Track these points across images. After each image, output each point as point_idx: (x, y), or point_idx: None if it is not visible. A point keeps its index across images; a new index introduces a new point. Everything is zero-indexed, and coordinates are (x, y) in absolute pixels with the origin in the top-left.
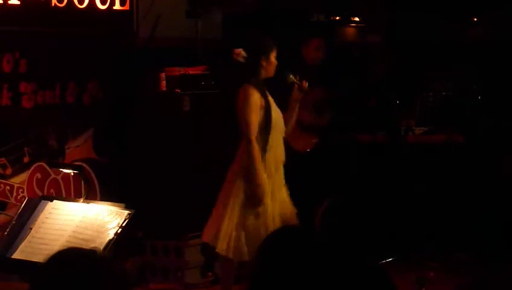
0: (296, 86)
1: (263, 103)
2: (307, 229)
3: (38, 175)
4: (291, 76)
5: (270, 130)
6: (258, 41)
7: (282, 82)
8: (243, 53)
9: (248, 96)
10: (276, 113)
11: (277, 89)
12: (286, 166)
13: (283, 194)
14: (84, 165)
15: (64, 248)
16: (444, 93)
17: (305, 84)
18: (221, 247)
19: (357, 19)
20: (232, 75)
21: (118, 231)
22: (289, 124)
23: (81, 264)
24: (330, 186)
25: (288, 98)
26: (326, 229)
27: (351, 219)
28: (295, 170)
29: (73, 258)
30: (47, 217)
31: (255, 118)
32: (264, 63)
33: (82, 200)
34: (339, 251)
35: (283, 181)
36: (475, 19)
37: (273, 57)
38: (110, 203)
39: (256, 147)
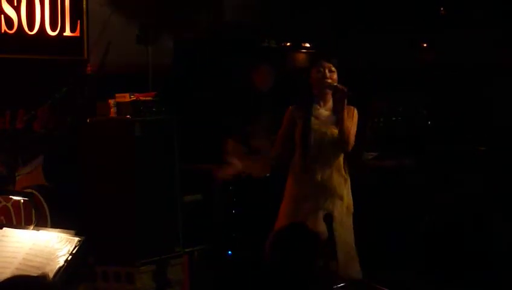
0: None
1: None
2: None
3: None
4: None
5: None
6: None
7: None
8: None
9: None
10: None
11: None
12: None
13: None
14: (35, 192)
15: (14, 275)
16: (393, 118)
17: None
18: None
19: (307, 44)
20: None
21: (68, 258)
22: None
23: None
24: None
25: None
26: (274, 258)
27: (299, 245)
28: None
29: (23, 286)
30: None
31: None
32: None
33: (32, 227)
34: (287, 276)
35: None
36: (424, 44)
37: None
38: (60, 230)
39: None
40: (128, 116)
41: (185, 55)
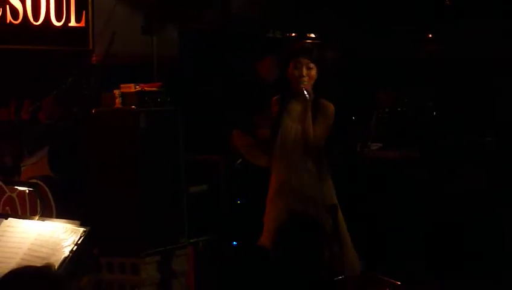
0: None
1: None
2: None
3: None
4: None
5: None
6: None
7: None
8: None
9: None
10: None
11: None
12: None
13: None
14: (40, 182)
15: (19, 266)
16: (399, 109)
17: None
18: None
19: (312, 35)
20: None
21: (74, 249)
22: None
23: (35, 283)
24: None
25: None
26: (280, 246)
27: (305, 235)
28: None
29: (28, 277)
30: (2, 235)
31: None
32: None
33: (37, 218)
34: (292, 267)
35: None
36: (430, 35)
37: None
38: (65, 220)
39: None
40: (133, 106)
41: (190, 47)
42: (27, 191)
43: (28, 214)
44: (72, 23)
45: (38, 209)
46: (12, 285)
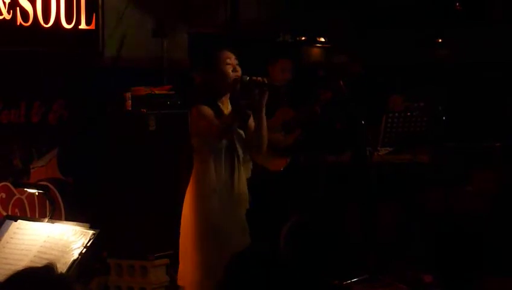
0: (257, 82)
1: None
2: (270, 249)
3: (3, 195)
4: (246, 77)
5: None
6: (199, 56)
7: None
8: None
9: (199, 112)
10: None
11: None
12: (258, 186)
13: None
14: (49, 184)
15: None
16: (409, 113)
17: (262, 79)
18: None
19: (322, 39)
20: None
21: (83, 251)
22: (259, 138)
23: (40, 284)
24: (298, 206)
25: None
26: (289, 249)
27: (314, 238)
28: (267, 190)
29: (31, 278)
30: (11, 237)
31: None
32: (211, 76)
33: (47, 220)
34: (302, 270)
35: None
36: (440, 40)
37: (222, 64)
38: (75, 223)
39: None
40: (143, 109)
41: (200, 50)
42: (36, 193)
43: (37, 216)
44: (83, 25)
45: (48, 211)
46: (15, 287)
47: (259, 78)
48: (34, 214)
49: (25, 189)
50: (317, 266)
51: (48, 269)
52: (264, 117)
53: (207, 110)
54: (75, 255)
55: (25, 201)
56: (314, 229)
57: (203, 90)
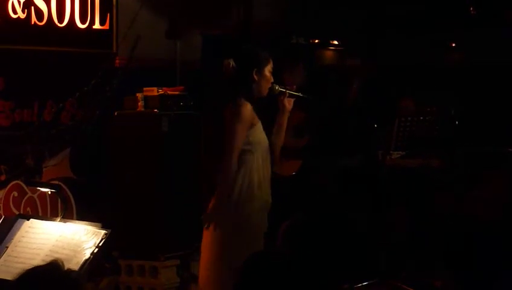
0: (285, 94)
1: (254, 121)
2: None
3: (15, 193)
4: (276, 86)
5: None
6: (251, 52)
7: (269, 98)
8: (233, 63)
9: (239, 111)
10: (263, 133)
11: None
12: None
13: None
14: (61, 184)
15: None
16: (421, 117)
17: (293, 88)
18: None
19: (336, 42)
20: (219, 90)
21: (95, 251)
22: (278, 143)
23: (46, 282)
24: (305, 208)
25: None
26: (286, 246)
27: (313, 238)
28: (280, 194)
29: (39, 276)
30: (23, 236)
31: (241, 136)
32: (256, 77)
33: (59, 219)
34: (307, 272)
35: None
36: (453, 44)
37: (267, 71)
38: (86, 222)
39: (232, 168)
40: (156, 110)
41: (213, 51)
42: (49, 192)
43: (49, 215)
44: (97, 25)
45: (59, 210)
46: (26, 285)
47: (287, 87)
48: (45, 213)
49: (37, 188)
50: (317, 266)
51: (54, 266)
52: (286, 121)
53: (248, 112)
54: (87, 254)
55: (37, 200)
56: (314, 229)
57: (242, 88)
